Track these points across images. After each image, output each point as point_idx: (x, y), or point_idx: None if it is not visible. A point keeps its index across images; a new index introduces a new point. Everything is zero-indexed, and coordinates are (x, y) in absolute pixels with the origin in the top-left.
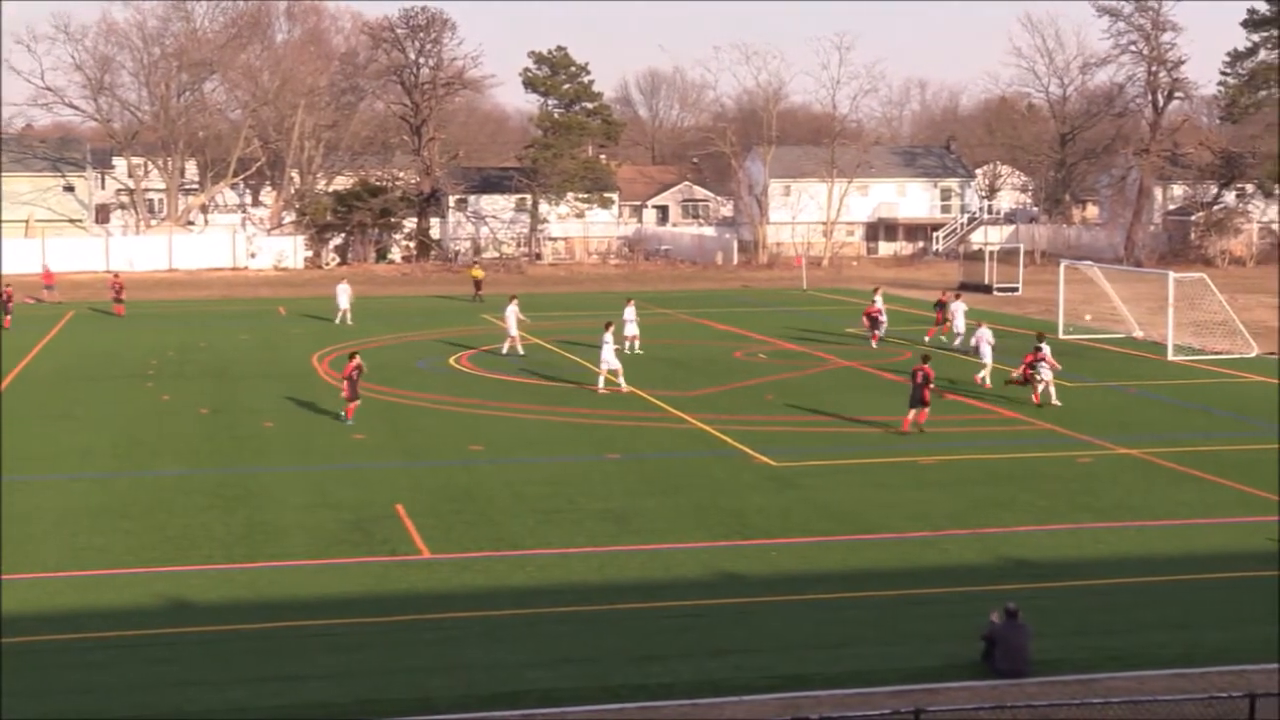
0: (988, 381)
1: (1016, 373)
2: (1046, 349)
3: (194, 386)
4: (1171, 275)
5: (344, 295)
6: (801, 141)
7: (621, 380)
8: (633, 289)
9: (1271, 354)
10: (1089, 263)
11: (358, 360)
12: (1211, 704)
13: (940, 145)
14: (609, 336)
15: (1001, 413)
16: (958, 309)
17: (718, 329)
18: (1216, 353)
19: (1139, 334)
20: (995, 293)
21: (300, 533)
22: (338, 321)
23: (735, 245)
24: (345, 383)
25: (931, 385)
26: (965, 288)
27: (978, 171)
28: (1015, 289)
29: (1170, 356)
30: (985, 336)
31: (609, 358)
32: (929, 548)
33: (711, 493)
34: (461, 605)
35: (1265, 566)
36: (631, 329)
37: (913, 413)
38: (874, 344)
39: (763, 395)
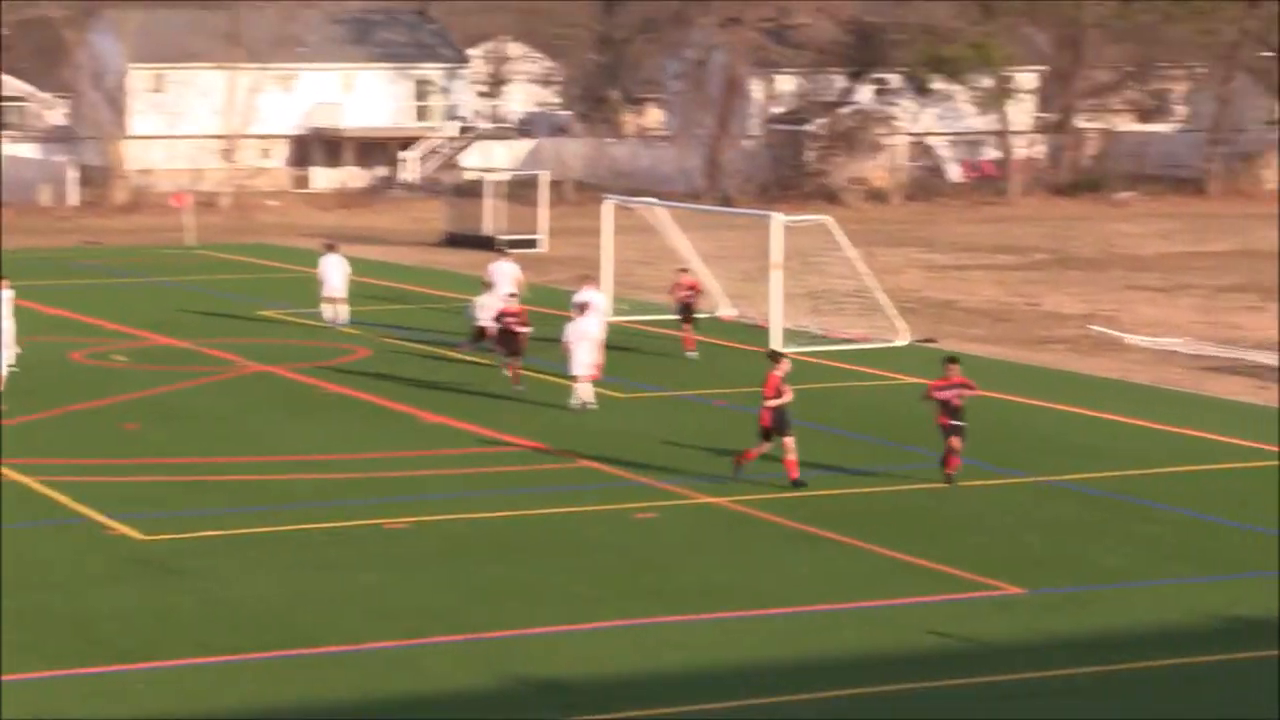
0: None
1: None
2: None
3: None
4: (777, 218)
5: None
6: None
7: None
8: None
9: (930, 341)
10: (650, 200)
11: None
12: None
13: (412, 9)
14: None
15: (521, 442)
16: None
17: (44, 314)
18: (849, 340)
19: (730, 312)
20: (502, 249)
21: None
22: None
23: (73, 175)
24: None
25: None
26: (456, 241)
27: (472, 53)
28: (534, 243)
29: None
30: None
31: None
32: (400, 667)
33: (32, 591)
34: None
35: (919, 676)
36: None
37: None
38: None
39: (120, 423)
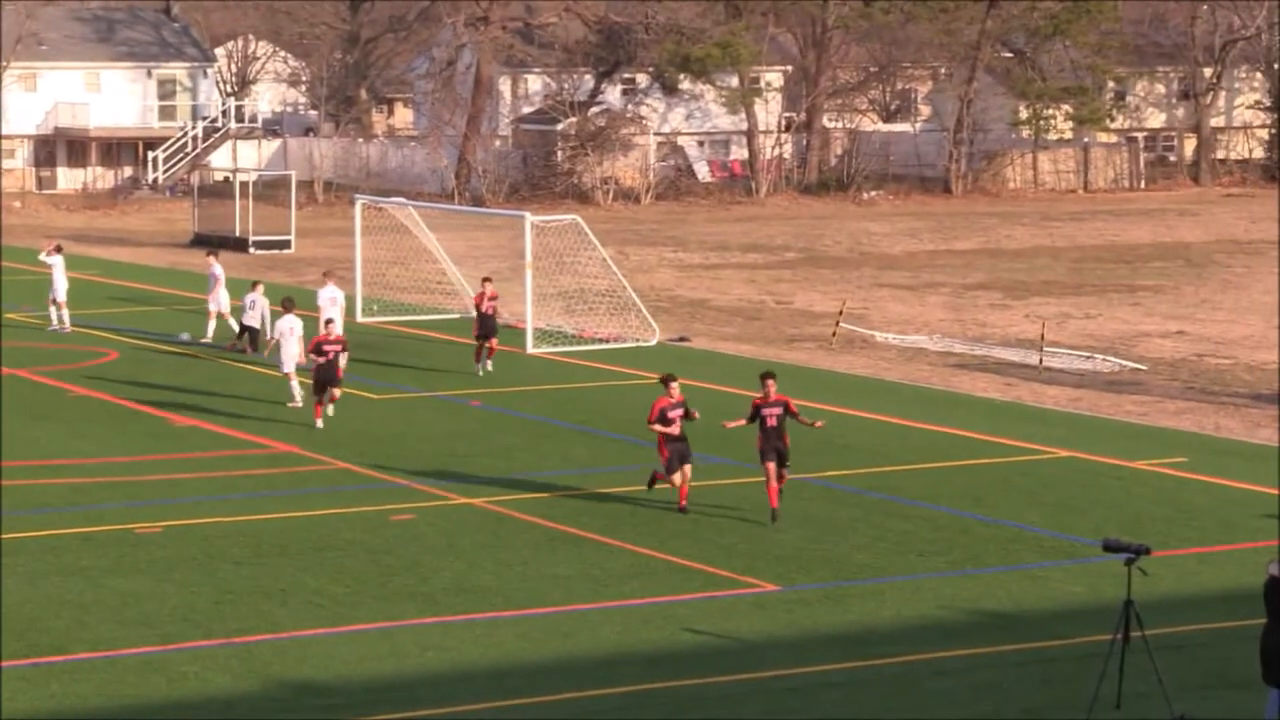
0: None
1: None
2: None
3: None
4: (529, 218)
5: None
6: None
7: None
8: None
9: (683, 340)
10: (400, 200)
11: None
12: None
13: (156, 7)
14: None
15: (274, 445)
16: (218, 276)
17: None
18: (602, 340)
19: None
20: (255, 249)
21: None
22: None
23: None
24: None
25: None
26: (204, 242)
27: (220, 51)
28: (285, 243)
29: (530, 348)
30: (267, 309)
31: None
32: (153, 672)
33: None
34: None
35: (679, 674)
36: None
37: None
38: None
39: None
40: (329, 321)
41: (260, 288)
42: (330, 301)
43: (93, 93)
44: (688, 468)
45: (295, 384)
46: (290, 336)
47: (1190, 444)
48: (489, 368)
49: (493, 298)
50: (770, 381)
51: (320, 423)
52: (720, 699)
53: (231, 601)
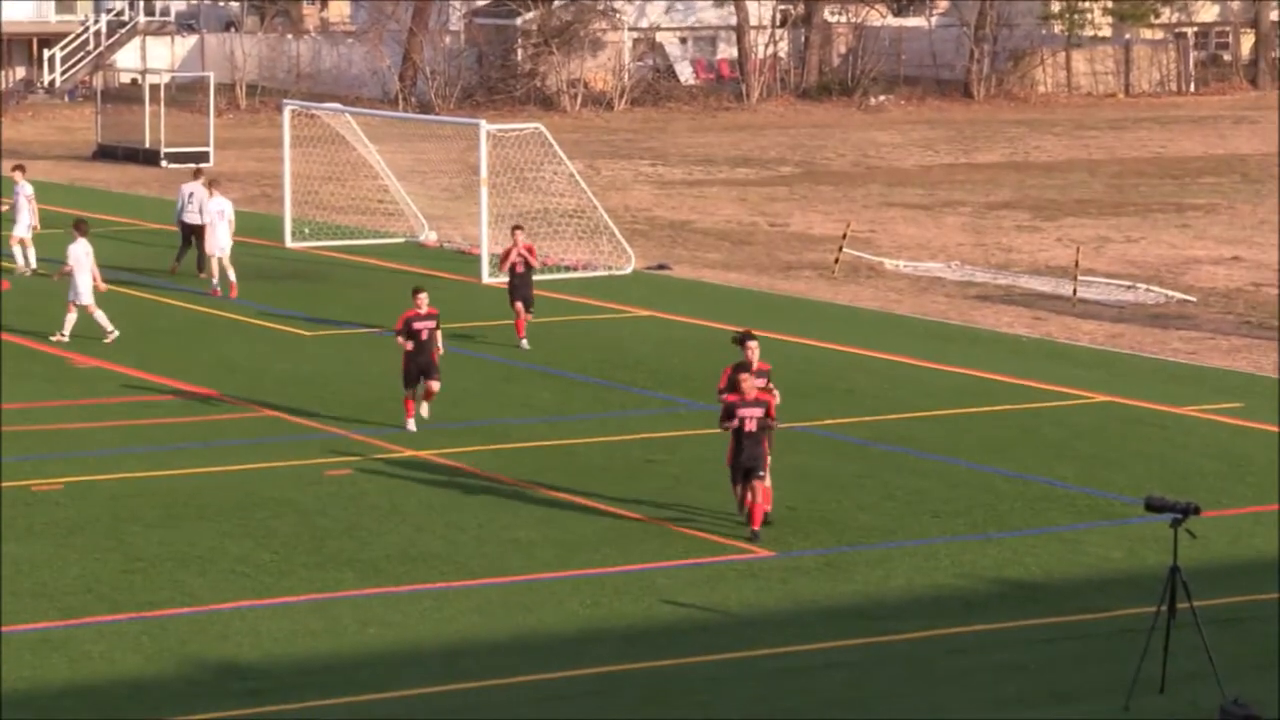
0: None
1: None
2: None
3: None
4: (485, 127)
5: None
6: None
7: None
8: None
9: (663, 268)
10: (335, 106)
11: None
12: None
13: None
14: None
15: (190, 389)
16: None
17: None
18: (569, 268)
19: (431, 236)
20: (167, 163)
21: None
22: None
23: None
24: None
25: None
26: (107, 154)
27: None
28: (203, 156)
29: (486, 278)
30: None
31: None
32: (54, 650)
33: None
34: None
35: (656, 653)
36: None
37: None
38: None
39: None
40: (418, 292)
41: (201, 178)
42: (219, 215)
43: None
44: (759, 483)
45: (101, 315)
46: (85, 262)
47: (1246, 387)
48: (524, 345)
49: (527, 251)
50: (752, 347)
51: (413, 424)
52: (706, 681)
53: (142, 570)
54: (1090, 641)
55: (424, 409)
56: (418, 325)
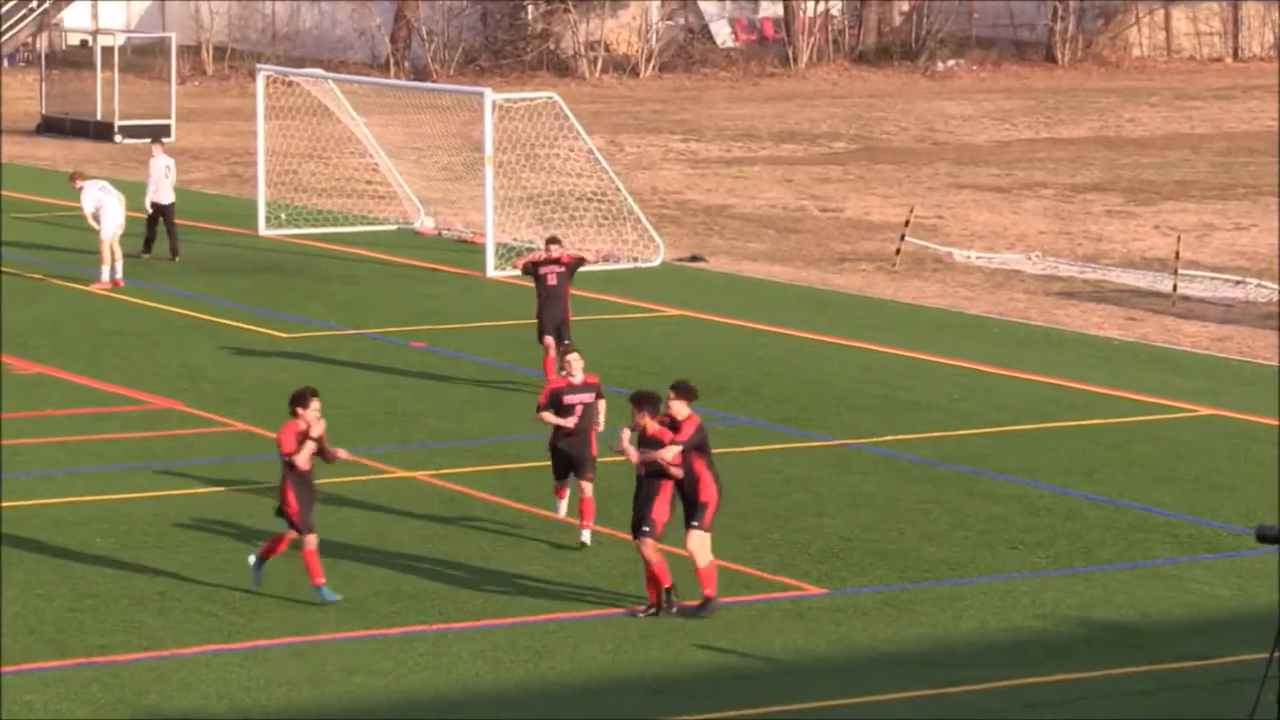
0: None
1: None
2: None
3: None
4: (490, 96)
5: None
6: None
7: None
8: None
9: (697, 260)
10: (317, 72)
11: None
12: None
13: None
14: None
15: (150, 399)
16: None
17: None
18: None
19: (425, 223)
20: (122, 137)
21: None
22: None
23: None
24: None
25: None
26: (53, 127)
27: None
28: (164, 130)
29: (491, 271)
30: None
31: None
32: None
33: None
34: None
35: (689, 706)
36: None
37: None
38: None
39: None
40: (565, 347)
41: (159, 147)
42: (165, 172)
43: None
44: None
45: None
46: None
47: None
48: (584, 537)
49: (558, 262)
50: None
51: (563, 509)
52: None
53: (92, 609)
54: (1193, 693)
55: (584, 534)
56: (570, 399)
